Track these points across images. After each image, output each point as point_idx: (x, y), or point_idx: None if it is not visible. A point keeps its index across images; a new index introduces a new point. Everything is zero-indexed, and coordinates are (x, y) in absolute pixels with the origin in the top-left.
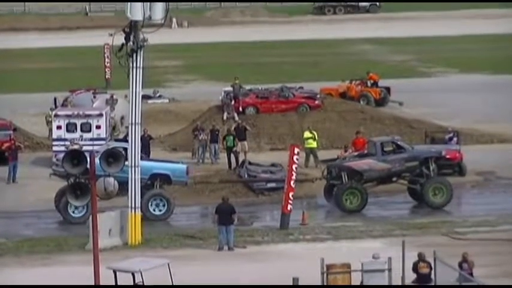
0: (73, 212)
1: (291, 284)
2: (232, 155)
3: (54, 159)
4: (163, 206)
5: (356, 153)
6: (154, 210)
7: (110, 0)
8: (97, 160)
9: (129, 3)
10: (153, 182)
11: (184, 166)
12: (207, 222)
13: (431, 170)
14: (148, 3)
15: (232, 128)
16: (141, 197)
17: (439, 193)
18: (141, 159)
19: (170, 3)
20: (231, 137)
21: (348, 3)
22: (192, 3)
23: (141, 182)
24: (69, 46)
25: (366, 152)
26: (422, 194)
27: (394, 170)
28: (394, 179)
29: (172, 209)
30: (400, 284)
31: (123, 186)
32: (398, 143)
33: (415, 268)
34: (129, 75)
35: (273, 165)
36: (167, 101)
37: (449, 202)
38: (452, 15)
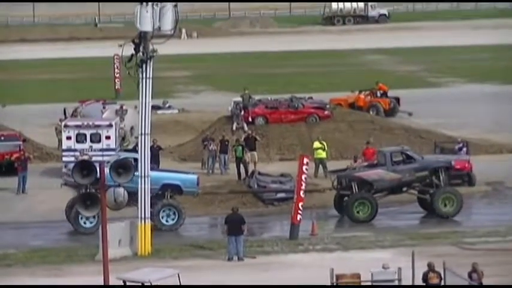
0: (84, 223)
1: None
2: (241, 165)
3: (64, 170)
4: (174, 216)
5: (366, 164)
6: (165, 220)
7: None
8: (107, 170)
9: (138, 14)
10: (164, 192)
11: (195, 177)
12: (216, 232)
13: (441, 180)
14: (158, 14)
15: (242, 139)
16: (152, 207)
17: (449, 203)
18: (152, 169)
19: (179, 14)
20: (240, 147)
21: (357, 13)
22: (201, 13)
23: (152, 192)
24: (78, 57)
25: (375, 162)
26: (432, 204)
27: (404, 180)
28: (404, 189)
29: (183, 219)
30: None
31: (133, 196)
32: (408, 153)
33: (424, 278)
34: (139, 85)
35: (282, 175)
36: (176, 111)
37: (459, 212)
38: (461, 25)
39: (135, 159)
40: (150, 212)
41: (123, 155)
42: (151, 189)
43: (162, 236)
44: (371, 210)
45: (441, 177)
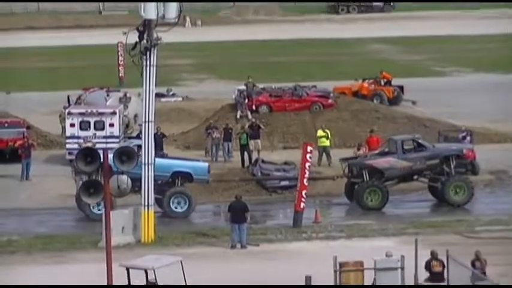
0: (98, 210)
1: (304, 282)
2: (245, 153)
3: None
4: (185, 203)
5: (377, 152)
6: (175, 207)
7: (123, 0)
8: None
9: (143, 2)
10: (175, 180)
11: (206, 164)
12: (220, 220)
13: (452, 168)
14: (162, 2)
15: (246, 127)
16: (163, 195)
17: (459, 191)
18: (163, 157)
19: (183, 2)
20: (245, 135)
21: (362, 2)
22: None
23: (162, 180)
24: (82, 44)
25: (386, 150)
26: (443, 192)
27: (415, 168)
28: (415, 177)
29: (194, 206)
30: (413, 283)
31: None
32: (419, 141)
33: (427, 266)
34: (143, 73)
35: (286, 163)
36: (180, 99)
37: (470, 200)
38: (467, 15)
39: None
40: (161, 199)
41: (135, 142)
42: (161, 176)
43: (166, 224)
44: (382, 198)
45: (452, 166)
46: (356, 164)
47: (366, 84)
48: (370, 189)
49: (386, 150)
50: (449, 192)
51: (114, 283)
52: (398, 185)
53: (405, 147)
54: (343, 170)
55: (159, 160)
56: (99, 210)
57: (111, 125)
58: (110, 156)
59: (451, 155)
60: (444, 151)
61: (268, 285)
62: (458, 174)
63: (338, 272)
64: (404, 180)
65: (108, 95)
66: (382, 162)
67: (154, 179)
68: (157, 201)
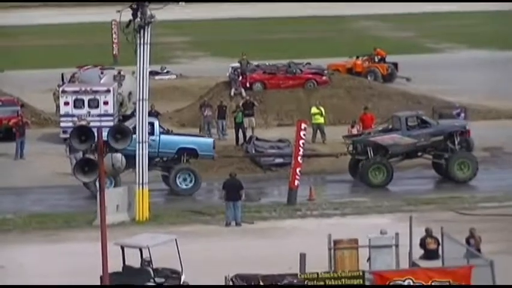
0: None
1: (298, 259)
2: (240, 131)
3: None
4: (191, 180)
5: (381, 128)
6: (181, 184)
7: None
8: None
9: None
10: (180, 156)
11: (211, 140)
12: (214, 198)
13: (456, 144)
14: None
15: (240, 104)
16: (169, 171)
17: (464, 167)
18: (169, 133)
19: None
20: (241, 113)
21: None
22: None
23: (168, 157)
24: (76, 22)
25: (390, 127)
26: (447, 169)
27: (420, 145)
28: (419, 153)
29: (200, 183)
30: (407, 260)
31: (151, 161)
32: (423, 117)
33: (422, 244)
34: (137, 51)
35: (280, 140)
36: (174, 77)
37: (474, 177)
38: None
39: (151, 123)
40: (167, 176)
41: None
42: (167, 153)
43: (160, 202)
44: (387, 175)
45: (456, 142)
46: (360, 141)
47: (359, 61)
48: (374, 166)
49: (390, 127)
50: (453, 169)
51: (109, 262)
52: (402, 161)
53: (409, 123)
54: (346, 147)
55: (164, 137)
56: (107, 188)
57: (106, 103)
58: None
59: (455, 131)
60: (448, 127)
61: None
62: (462, 151)
63: (332, 250)
64: (409, 157)
65: (102, 73)
66: (386, 139)
67: (160, 156)
68: (163, 178)
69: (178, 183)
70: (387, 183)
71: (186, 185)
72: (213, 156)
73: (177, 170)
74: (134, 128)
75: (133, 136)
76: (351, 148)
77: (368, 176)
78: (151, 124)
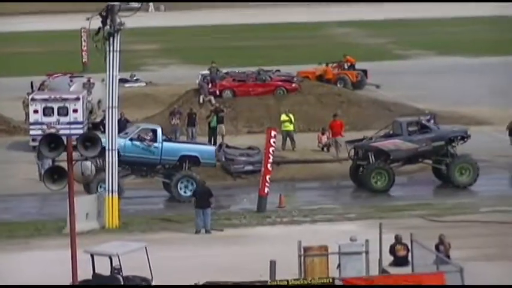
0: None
1: (268, 267)
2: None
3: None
4: (192, 187)
5: (382, 134)
6: (183, 191)
7: None
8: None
9: None
10: (182, 163)
11: (213, 148)
12: (185, 205)
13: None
14: None
15: (210, 111)
16: (170, 179)
17: (465, 172)
18: (171, 141)
19: None
20: (215, 118)
21: None
22: None
23: (170, 164)
24: (45, 30)
25: (391, 132)
26: (448, 174)
27: (421, 150)
28: (420, 159)
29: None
30: (377, 267)
31: (151, 168)
32: (424, 122)
33: (392, 250)
34: (106, 59)
35: (250, 148)
36: (144, 84)
37: (475, 181)
38: None
39: (154, 131)
40: (168, 183)
41: (142, 126)
42: (169, 160)
43: (130, 210)
44: (388, 180)
45: (456, 147)
46: (362, 146)
47: (329, 68)
48: (376, 171)
49: (391, 132)
50: (454, 174)
51: (79, 270)
52: (403, 166)
53: (410, 129)
54: (348, 153)
55: (167, 144)
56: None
57: (75, 110)
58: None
59: (456, 136)
60: (449, 133)
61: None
62: (462, 156)
63: (302, 257)
64: (410, 162)
65: (71, 81)
66: (388, 144)
67: (162, 163)
68: (165, 185)
69: (179, 190)
70: (389, 189)
71: (187, 192)
72: (215, 164)
73: (178, 177)
74: (138, 136)
75: (137, 143)
76: (352, 153)
77: (370, 181)
78: (154, 131)
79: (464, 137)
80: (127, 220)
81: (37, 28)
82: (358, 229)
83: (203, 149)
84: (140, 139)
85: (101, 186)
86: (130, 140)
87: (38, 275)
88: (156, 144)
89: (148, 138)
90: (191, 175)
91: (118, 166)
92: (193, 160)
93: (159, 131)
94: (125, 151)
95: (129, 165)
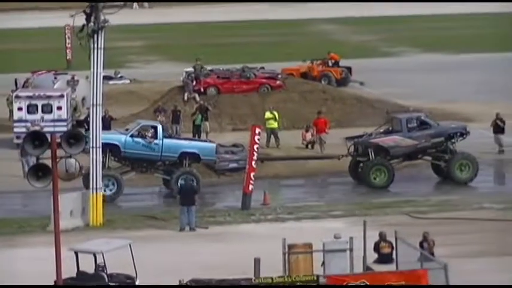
0: (104, 190)
1: (253, 264)
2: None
3: None
4: (193, 183)
5: (382, 130)
6: None
7: None
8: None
9: None
10: (183, 160)
11: (213, 145)
12: (169, 202)
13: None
14: None
15: (194, 109)
16: (171, 175)
17: (465, 169)
18: (171, 137)
19: None
20: (200, 116)
21: None
22: None
23: (170, 160)
24: (29, 27)
25: (390, 128)
26: (448, 170)
27: (420, 146)
28: (420, 155)
29: (200, 186)
30: (361, 264)
31: (153, 164)
32: (424, 119)
33: (376, 248)
34: (90, 56)
35: (234, 145)
36: (128, 81)
37: (475, 177)
38: None
39: (154, 127)
40: (168, 180)
41: (143, 122)
42: (170, 157)
43: (115, 207)
44: (388, 176)
45: (456, 143)
46: (361, 142)
47: (314, 66)
48: (376, 167)
49: (390, 128)
50: (454, 170)
51: (63, 267)
52: (402, 163)
53: (410, 125)
54: (347, 149)
55: (167, 140)
56: (110, 190)
57: (59, 108)
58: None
59: (455, 132)
60: (448, 129)
61: None
62: (462, 152)
63: (287, 254)
64: (409, 159)
65: (55, 78)
66: (387, 141)
67: (162, 160)
68: (165, 182)
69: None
70: (388, 185)
71: None
72: (215, 161)
73: (179, 174)
74: (139, 132)
75: (139, 140)
76: (352, 150)
77: (369, 178)
78: (155, 128)
79: (464, 134)
80: (111, 217)
81: (21, 25)
82: (343, 226)
83: (203, 145)
84: (141, 135)
85: (104, 190)
86: (131, 136)
87: (22, 272)
88: (156, 141)
89: (150, 134)
90: (192, 172)
91: (118, 162)
92: (194, 157)
93: (160, 127)
94: (126, 147)
95: (130, 161)
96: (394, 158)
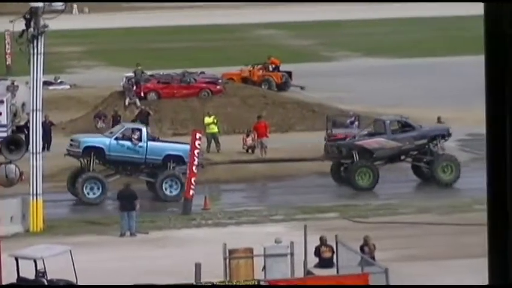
0: (88, 193)
1: (194, 269)
2: None
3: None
4: (177, 186)
5: (366, 132)
6: (168, 191)
7: None
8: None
9: None
10: (167, 163)
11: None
12: (109, 208)
13: (439, 148)
14: None
15: (135, 114)
16: (155, 178)
17: (447, 170)
18: (155, 140)
19: None
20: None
21: None
22: None
23: (154, 163)
24: None
25: (372, 131)
26: (431, 172)
27: (404, 149)
28: (402, 157)
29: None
30: (302, 269)
31: (137, 167)
32: (407, 121)
33: (317, 252)
34: (30, 61)
35: None
36: (68, 87)
37: (458, 179)
38: None
39: (139, 130)
40: (153, 183)
41: (127, 125)
42: (154, 160)
43: (55, 212)
44: (373, 178)
45: (439, 146)
46: (345, 144)
47: (254, 70)
48: (361, 169)
49: (373, 131)
50: (438, 172)
51: (3, 273)
52: (385, 165)
53: (393, 127)
54: (327, 152)
55: (151, 143)
56: (93, 194)
57: None
58: None
59: (438, 135)
60: (431, 131)
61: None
62: (445, 154)
63: (228, 259)
64: (392, 161)
65: None
66: (372, 143)
67: (146, 163)
68: (149, 185)
69: (164, 189)
70: (373, 186)
71: (171, 192)
72: (202, 164)
73: (163, 177)
74: (123, 135)
75: (125, 143)
76: (335, 151)
77: (354, 180)
78: (139, 130)
79: (446, 136)
80: (51, 223)
81: None
82: (283, 231)
83: (188, 148)
84: (127, 138)
85: (86, 187)
86: (116, 139)
87: None
88: (141, 144)
89: (136, 137)
90: (176, 174)
91: (102, 166)
92: (178, 160)
93: (144, 130)
94: (110, 150)
95: (114, 164)
96: (377, 160)
